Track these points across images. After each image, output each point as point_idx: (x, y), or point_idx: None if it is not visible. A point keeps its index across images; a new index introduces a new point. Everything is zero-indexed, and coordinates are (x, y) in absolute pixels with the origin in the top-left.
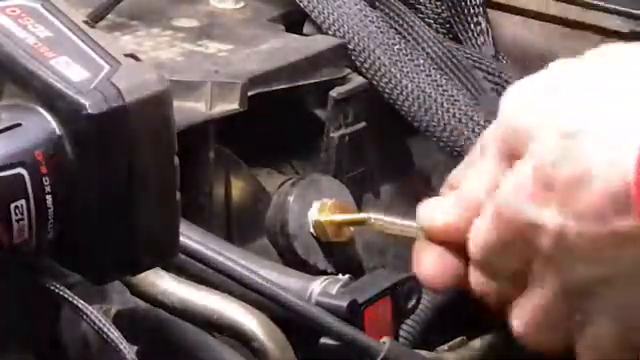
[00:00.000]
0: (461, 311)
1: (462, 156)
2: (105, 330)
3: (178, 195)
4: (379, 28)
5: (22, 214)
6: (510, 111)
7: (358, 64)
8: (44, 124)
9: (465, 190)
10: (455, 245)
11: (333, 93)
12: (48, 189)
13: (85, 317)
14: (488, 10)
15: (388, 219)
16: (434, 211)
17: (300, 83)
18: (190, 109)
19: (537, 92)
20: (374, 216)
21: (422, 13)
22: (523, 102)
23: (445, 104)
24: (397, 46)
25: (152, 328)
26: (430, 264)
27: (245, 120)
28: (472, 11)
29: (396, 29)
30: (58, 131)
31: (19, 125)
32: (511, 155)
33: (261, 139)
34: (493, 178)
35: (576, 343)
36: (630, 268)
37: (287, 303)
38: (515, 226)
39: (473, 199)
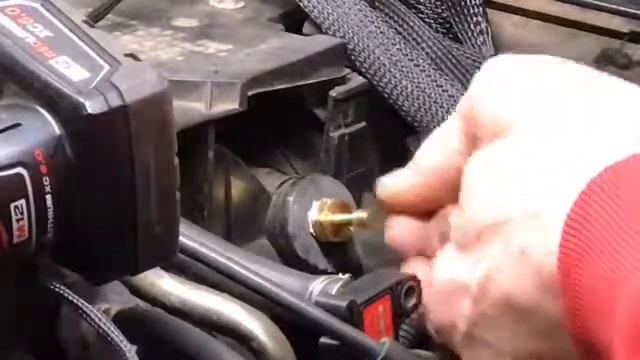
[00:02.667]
0: None
1: None
2: (106, 330)
3: (178, 195)
4: (379, 28)
5: (22, 214)
6: (479, 91)
7: (358, 64)
8: (44, 124)
9: (420, 157)
10: (415, 211)
11: (333, 93)
12: (48, 189)
13: (86, 317)
14: (488, 10)
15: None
16: (390, 180)
17: (300, 83)
18: (190, 109)
19: (510, 83)
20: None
21: (422, 13)
22: (493, 87)
23: (445, 104)
24: (397, 46)
25: (152, 328)
26: (395, 232)
27: (245, 120)
28: (472, 11)
29: (396, 29)
30: (58, 131)
31: (19, 125)
32: (471, 133)
33: (261, 139)
34: (448, 147)
35: None
36: None
37: (287, 303)
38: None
39: (427, 165)
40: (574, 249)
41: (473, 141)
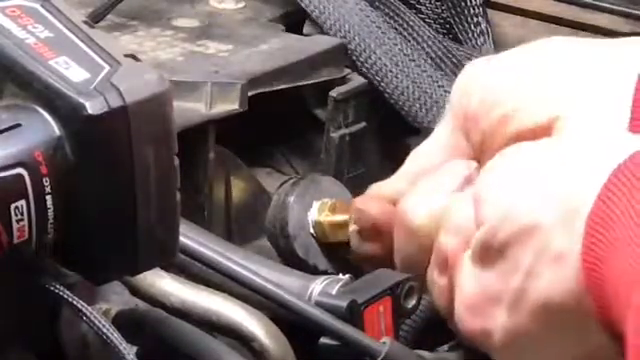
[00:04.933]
0: None
1: None
2: (105, 331)
3: (178, 195)
4: (379, 28)
5: (22, 214)
6: (464, 85)
7: (358, 64)
8: (44, 124)
9: (416, 153)
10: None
11: (333, 93)
12: (48, 189)
13: (85, 318)
14: (488, 10)
15: None
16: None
17: (300, 83)
18: (190, 109)
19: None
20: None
21: (422, 13)
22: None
23: (445, 104)
24: (398, 46)
25: (152, 328)
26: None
27: (245, 120)
28: (472, 11)
29: (396, 29)
30: (58, 131)
31: (19, 125)
32: (464, 126)
33: (261, 139)
34: (442, 142)
35: None
36: None
37: (287, 303)
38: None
39: (418, 168)
40: (597, 245)
41: (466, 134)
